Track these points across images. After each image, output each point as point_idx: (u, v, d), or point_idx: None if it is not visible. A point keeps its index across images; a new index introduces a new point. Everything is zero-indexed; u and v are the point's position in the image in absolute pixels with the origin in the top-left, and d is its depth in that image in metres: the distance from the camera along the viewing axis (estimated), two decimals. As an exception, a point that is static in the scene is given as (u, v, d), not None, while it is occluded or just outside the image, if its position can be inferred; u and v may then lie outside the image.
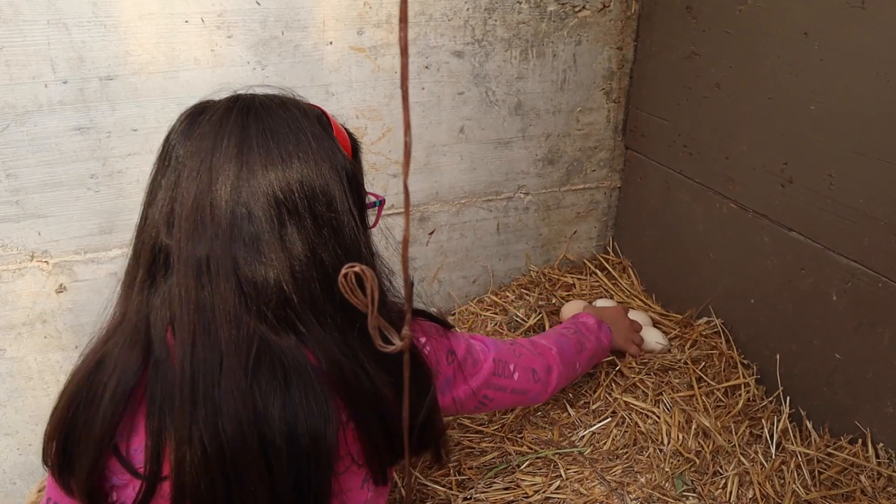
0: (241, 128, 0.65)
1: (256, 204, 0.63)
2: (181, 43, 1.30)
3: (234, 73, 1.36)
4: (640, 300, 1.67)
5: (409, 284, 0.41)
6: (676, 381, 1.37)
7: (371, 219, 0.81)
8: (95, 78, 1.27)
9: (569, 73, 1.58)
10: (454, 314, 1.69)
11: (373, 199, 0.82)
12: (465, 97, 1.52)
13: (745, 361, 1.43)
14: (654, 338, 1.47)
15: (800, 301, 1.29)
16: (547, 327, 1.53)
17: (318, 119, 0.73)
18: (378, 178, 1.53)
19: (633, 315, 1.57)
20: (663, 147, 1.58)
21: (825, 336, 1.26)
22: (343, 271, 0.45)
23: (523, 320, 1.53)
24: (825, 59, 1.15)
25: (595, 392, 1.34)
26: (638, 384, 1.36)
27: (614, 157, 1.72)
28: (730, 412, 1.30)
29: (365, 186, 0.79)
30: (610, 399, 1.33)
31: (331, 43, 1.39)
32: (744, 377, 1.38)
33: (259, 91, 0.74)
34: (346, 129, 0.79)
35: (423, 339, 0.81)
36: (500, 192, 1.65)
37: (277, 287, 0.65)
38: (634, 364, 1.41)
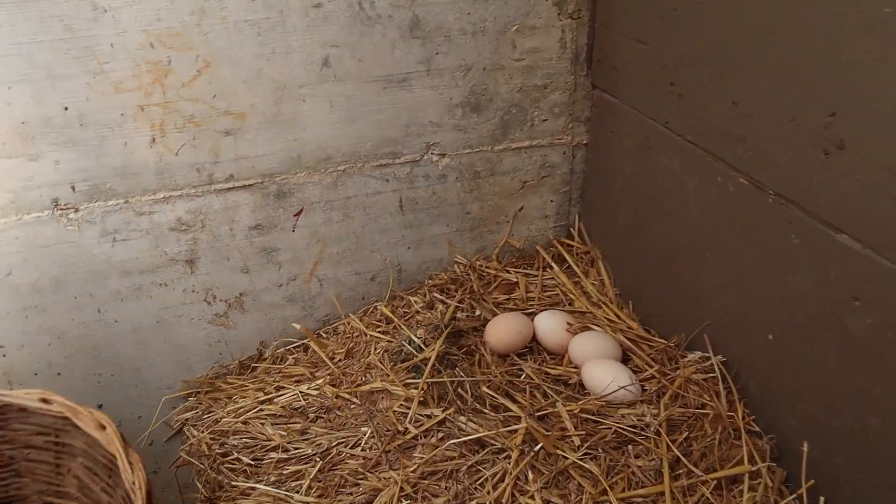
0: None
1: None
2: None
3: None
4: (610, 310, 1.14)
5: None
6: (640, 463, 0.86)
7: None
8: None
9: (496, -30, 1.02)
10: (331, 326, 1.19)
11: None
12: (326, 12, 0.97)
13: (756, 429, 0.91)
14: (616, 378, 0.96)
15: (850, 348, 0.76)
16: (432, 351, 1.02)
17: None
18: (202, 139, 1.01)
19: (592, 338, 1.05)
20: (642, 85, 1.02)
21: (893, 412, 0.73)
22: None
23: (417, 349, 1.02)
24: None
25: (498, 486, 0.84)
26: (572, 472, 0.85)
27: (575, 100, 1.16)
28: (722, 526, 0.79)
29: None
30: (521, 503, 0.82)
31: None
32: (751, 459, 0.86)
33: None
34: None
35: None
36: (400, 153, 1.11)
37: None
38: (573, 432, 0.89)
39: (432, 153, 1.13)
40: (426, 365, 0.98)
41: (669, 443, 0.88)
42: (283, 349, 1.20)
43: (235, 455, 0.99)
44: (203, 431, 1.05)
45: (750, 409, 0.93)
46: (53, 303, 1.07)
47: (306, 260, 1.16)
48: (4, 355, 1.08)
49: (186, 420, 1.11)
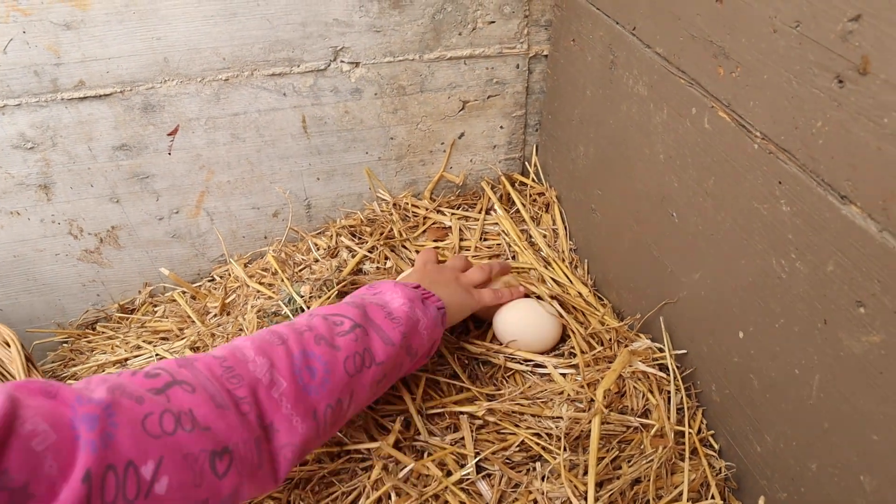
0: None
1: None
2: None
3: None
4: (560, 269, 0.91)
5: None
6: (546, 488, 0.65)
7: None
8: None
9: None
10: (212, 277, 0.99)
11: None
12: None
13: (714, 450, 0.69)
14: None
15: (843, 372, 0.52)
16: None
17: None
18: (35, 33, 0.78)
19: (524, 310, 0.83)
20: (611, -25, 0.75)
21: (893, 471, 0.50)
22: None
23: (296, 312, 0.80)
24: None
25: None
26: (449, 496, 0.64)
27: (533, -5, 0.89)
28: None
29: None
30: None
31: None
32: (698, 488, 0.64)
33: None
34: None
35: None
36: (298, 59, 0.87)
37: None
38: (469, 449, 0.68)
39: (342, 61, 0.88)
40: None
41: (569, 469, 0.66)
42: (169, 295, 1.01)
43: (71, 429, 0.81)
44: (52, 393, 0.87)
45: (709, 422, 0.70)
46: None
47: (189, 189, 0.94)
48: None
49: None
